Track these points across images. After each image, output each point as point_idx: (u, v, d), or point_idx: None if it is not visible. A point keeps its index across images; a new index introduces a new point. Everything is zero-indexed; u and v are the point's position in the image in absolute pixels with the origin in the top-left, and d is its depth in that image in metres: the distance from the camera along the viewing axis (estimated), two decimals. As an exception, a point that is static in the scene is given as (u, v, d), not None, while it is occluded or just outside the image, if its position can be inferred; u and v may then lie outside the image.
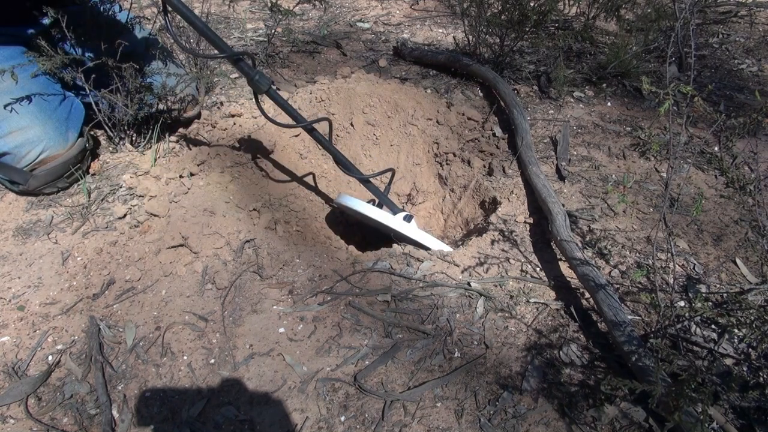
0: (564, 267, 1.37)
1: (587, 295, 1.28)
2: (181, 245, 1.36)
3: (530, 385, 1.07)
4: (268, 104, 1.84)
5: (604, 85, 2.20)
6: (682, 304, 1.25)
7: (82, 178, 1.51)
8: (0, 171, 1.42)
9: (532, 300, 1.27)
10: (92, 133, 1.65)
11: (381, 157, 1.96)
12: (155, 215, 1.42)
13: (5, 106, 1.37)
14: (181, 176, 1.53)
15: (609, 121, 1.99)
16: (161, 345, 1.14)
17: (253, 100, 1.75)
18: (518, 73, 2.25)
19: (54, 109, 1.44)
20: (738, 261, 1.41)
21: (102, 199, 1.49)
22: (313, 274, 1.31)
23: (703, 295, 1.26)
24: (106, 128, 1.62)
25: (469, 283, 1.30)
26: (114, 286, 1.27)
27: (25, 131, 1.39)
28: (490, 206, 1.70)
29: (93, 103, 1.54)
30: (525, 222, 1.53)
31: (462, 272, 1.34)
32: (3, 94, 1.37)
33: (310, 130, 1.46)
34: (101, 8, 1.52)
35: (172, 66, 1.72)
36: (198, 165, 1.58)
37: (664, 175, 1.71)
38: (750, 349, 1.13)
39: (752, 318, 1.06)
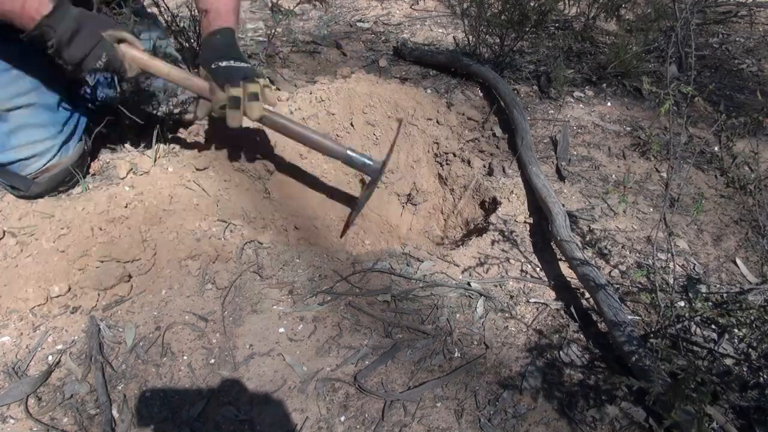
0: (564, 267, 1.37)
1: (587, 295, 1.28)
2: (181, 245, 1.36)
3: (530, 385, 1.07)
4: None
5: (604, 85, 2.20)
6: (682, 304, 1.26)
7: (82, 179, 1.51)
8: (3, 177, 1.43)
9: (532, 300, 1.27)
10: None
11: (381, 157, 1.95)
12: (155, 215, 1.42)
13: (11, 111, 1.36)
14: (181, 176, 1.53)
15: (609, 121, 1.99)
16: (161, 345, 1.14)
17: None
18: (518, 73, 2.24)
19: (64, 122, 1.46)
20: (738, 261, 1.41)
21: (102, 199, 1.49)
22: (313, 274, 1.31)
23: (703, 295, 1.26)
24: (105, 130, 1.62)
25: (469, 283, 1.30)
26: (114, 286, 1.27)
27: (36, 145, 1.40)
28: (490, 206, 1.70)
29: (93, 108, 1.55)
30: (525, 222, 1.53)
31: (462, 272, 1.34)
32: (18, 98, 1.37)
33: None
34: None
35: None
36: (198, 165, 1.58)
37: (664, 175, 1.71)
38: (750, 349, 1.13)
39: (752, 318, 1.06)
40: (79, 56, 1.24)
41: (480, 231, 1.58)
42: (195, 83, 1.35)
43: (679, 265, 1.37)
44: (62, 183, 1.48)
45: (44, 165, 1.41)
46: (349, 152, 1.47)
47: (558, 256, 1.40)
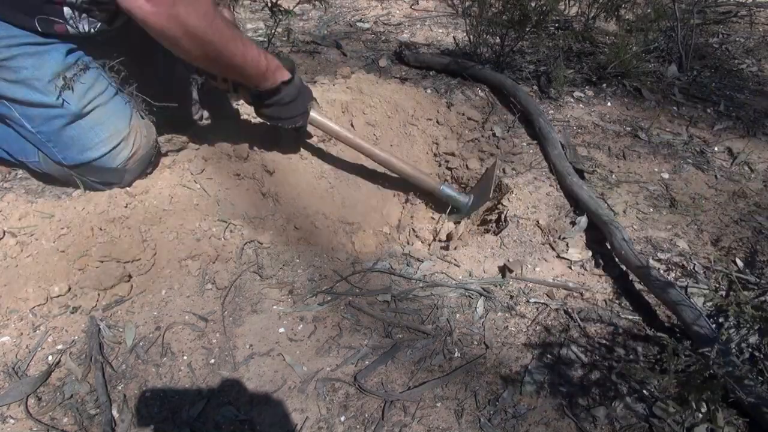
0: (564, 266, 1.37)
1: (586, 295, 1.28)
2: (181, 245, 1.36)
3: (530, 385, 1.07)
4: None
5: (604, 85, 2.20)
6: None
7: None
8: (95, 175, 1.43)
9: (532, 300, 1.27)
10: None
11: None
12: (155, 215, 1.42)
13: (92, 106, 1.36)
14: (181, 176, 1.53)
15: (609, 121, 1.99)
16: (161, 345, 1.14)
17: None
18: (518, 73, 2.25)
19: (126, 103, 1.46)
20: (738, 261, 1.41)
21: (102, 199, 1.49)
22: (313, 274, 1.32)
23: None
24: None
25: (469, 283, 1.30)
26: (114, 286, 1.27)
27: (120, 132, 1.41)
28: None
29: None
30: (525, 222, 1.53)
31: (462, 272, 1.34)
32: (93, 92, 1.36)
33: None
34: None
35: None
36: (198, 166, 1.58)
37: (665, 175, 1.71)
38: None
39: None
40: (284, 117, 1.50)
41: (480, 231, 1.58)
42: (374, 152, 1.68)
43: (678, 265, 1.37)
44: (149, 164, 1.50)
45: (131, 151, 1.42)
46: (443, 188, 1.68)
47: (558, 256, 1.40)
